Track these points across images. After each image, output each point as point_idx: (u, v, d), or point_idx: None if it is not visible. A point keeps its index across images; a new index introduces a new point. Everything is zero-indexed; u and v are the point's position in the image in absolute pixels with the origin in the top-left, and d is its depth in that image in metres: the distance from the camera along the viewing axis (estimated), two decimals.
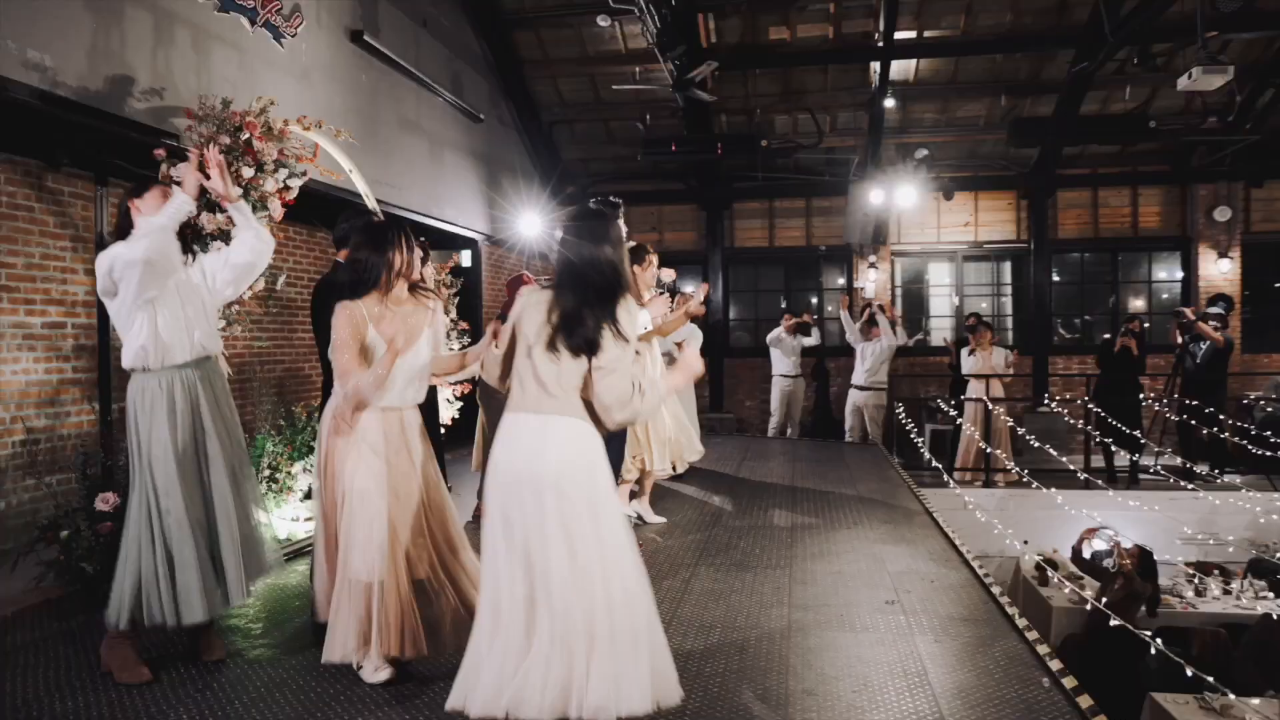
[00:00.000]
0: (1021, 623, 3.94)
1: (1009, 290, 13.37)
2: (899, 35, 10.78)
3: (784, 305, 13.57)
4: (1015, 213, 12.91)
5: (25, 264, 5.60)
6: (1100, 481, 8.62)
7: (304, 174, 5.56)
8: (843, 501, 7.01)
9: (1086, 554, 7.65)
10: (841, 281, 13.68)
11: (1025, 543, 9.23)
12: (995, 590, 4.47)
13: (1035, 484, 8.56)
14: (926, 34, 10.93)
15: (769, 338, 11.63)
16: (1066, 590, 8.32)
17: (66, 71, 4.88)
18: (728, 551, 5.39)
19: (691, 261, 13.83)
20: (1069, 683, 3.27)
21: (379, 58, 8.18)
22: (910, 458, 11.39)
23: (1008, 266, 13.31)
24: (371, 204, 6.88)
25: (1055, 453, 8.71)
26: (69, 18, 4.92)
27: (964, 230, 13.05)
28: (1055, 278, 13.16)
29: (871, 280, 13.14)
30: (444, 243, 10.75)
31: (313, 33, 7.17)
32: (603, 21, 10.42)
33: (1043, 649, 3.60)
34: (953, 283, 13.33)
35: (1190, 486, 8.86)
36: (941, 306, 13.47)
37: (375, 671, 3.31)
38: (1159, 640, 5.30)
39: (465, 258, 11.12)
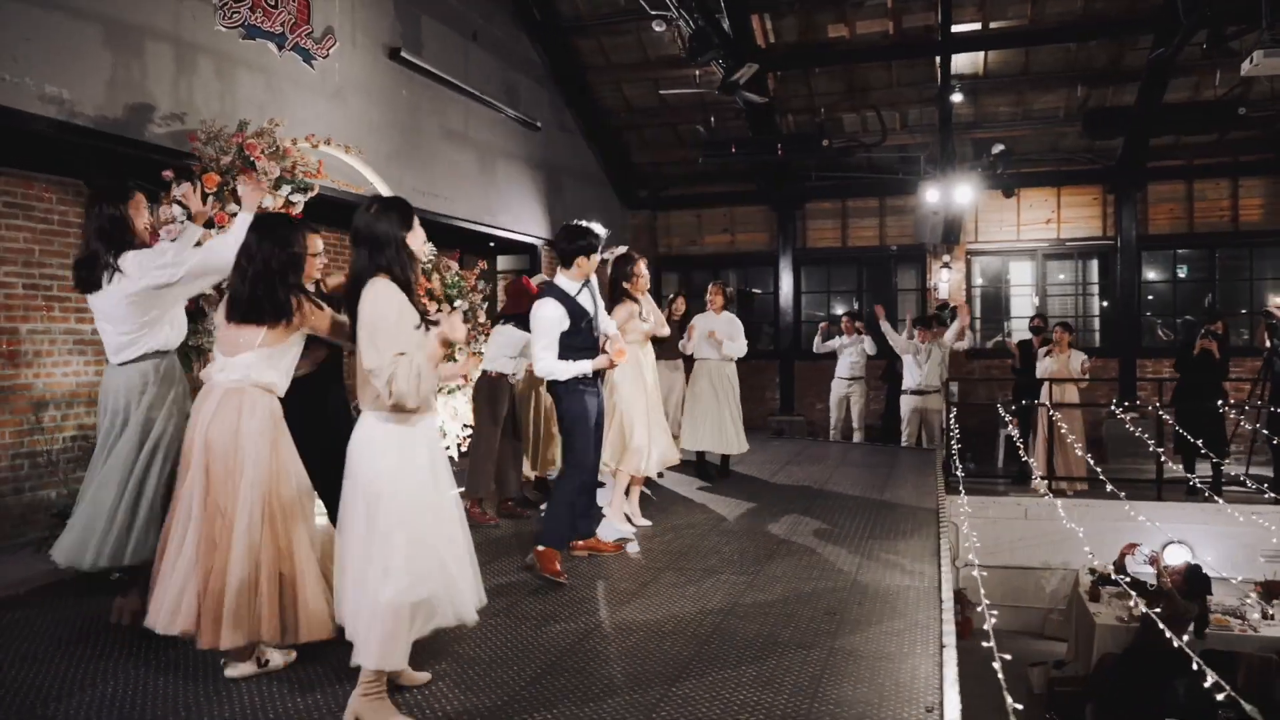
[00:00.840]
0: (948, 640, 3.84)
1: (1095, 290, 12.69)
2: (964, 28, 10.44)
3: (855, 306, 13.33)
4: (1100, 208, 12.25)
5: None
6: (1121, 495, 8.12)
7: (311, 189, 5.90)
8: (860, 509, 6.88)
9: (1129, 570, 7.26)
10: (915, 282, 13.32)
11: (1091, 554, 8.81)
12: (946, 606, 4.35)
13: (1047, 494, 8.19)
14: (992, 25, 10.52)
15: (828, 344, 11.48)
16: (1114, 606, 7.93)
17: (84, 103, 5.36)
18: (704, 557, 5.40)
19: (763, 263, 13.75)
20: (952, 700, 3.19)
21: (421, 73, 8.51)
22: (984, 465, 11.01)
23: (1094, 265, 12.64)
24: None
25: (1092, 461, 8.28)
26: (87, 54, 5.39)
27: (1045, 227, 12.48)
28: (1148, 276, 12.42)
29: (945, 280, 12.71)
30: (503, 248, 11.10)
31: (347, 53, 7.55)
32: (658, 27, 10.48)
33: (950, 670, 3.51)
34: (1034, 282, 12.75)
35: (1217, 503, 8.29)
36: (1023, 307, 12.89)
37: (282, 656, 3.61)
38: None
39: (524, 261, 11.42)
